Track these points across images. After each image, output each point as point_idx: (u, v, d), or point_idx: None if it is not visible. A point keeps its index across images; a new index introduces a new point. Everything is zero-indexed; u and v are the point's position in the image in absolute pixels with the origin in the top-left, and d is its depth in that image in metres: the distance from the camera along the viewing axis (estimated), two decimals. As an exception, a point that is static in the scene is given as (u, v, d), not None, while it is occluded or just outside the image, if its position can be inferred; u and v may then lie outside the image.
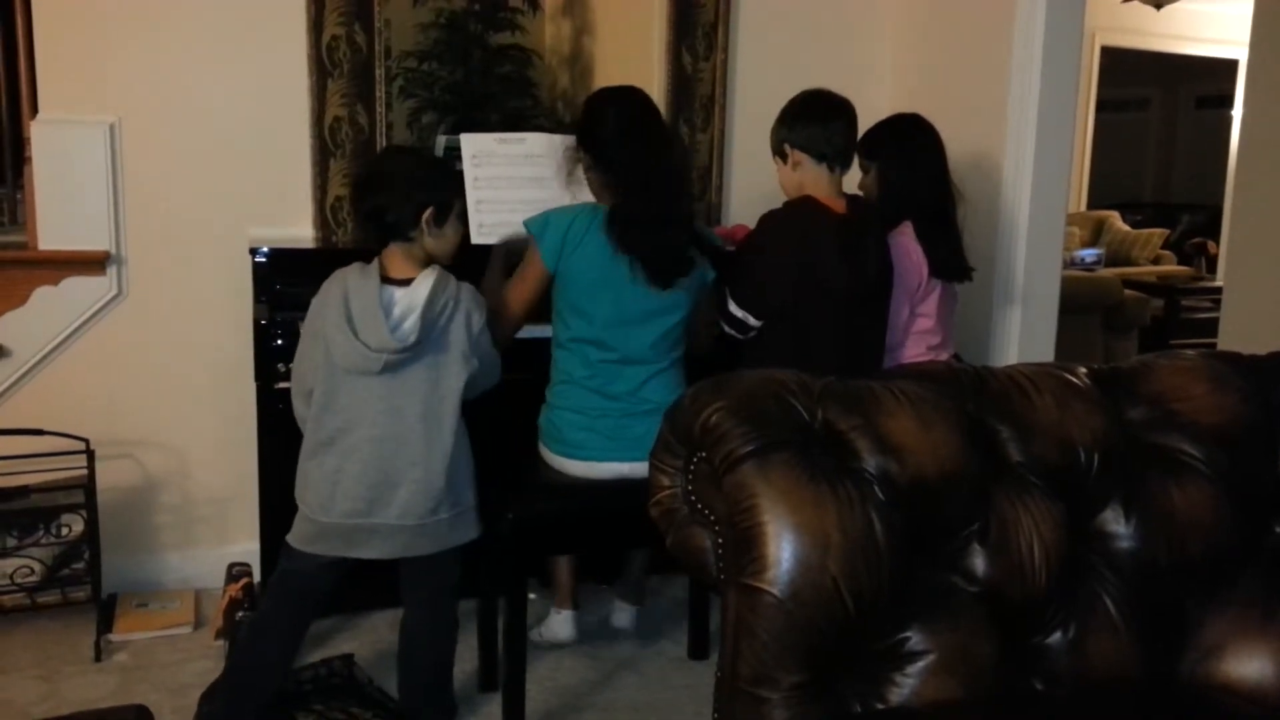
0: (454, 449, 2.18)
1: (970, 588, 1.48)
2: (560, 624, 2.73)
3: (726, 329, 2.52)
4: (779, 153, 2.53)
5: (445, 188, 2.26)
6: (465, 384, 2.18)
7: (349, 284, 2.14)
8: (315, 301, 2.19)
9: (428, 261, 2.20)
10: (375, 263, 2.19)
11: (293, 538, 2.19)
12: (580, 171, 2.46)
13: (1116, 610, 1.54)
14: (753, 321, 2.47)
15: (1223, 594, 1.59)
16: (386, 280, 2.16)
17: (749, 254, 2.52)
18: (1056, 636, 1.52)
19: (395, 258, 2.18)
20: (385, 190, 2.17)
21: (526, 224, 2.36)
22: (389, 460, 2.13)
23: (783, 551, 1.34)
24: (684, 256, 2.33)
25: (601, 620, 2.88)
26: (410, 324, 2.10)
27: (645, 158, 2.32)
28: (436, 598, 2.27)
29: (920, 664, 1.41)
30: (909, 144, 2.69)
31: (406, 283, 2.15)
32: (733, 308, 2.47)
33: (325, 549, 2.17)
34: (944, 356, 2.70)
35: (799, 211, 2.46)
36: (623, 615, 2.86)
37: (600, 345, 2.33)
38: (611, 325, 2.32)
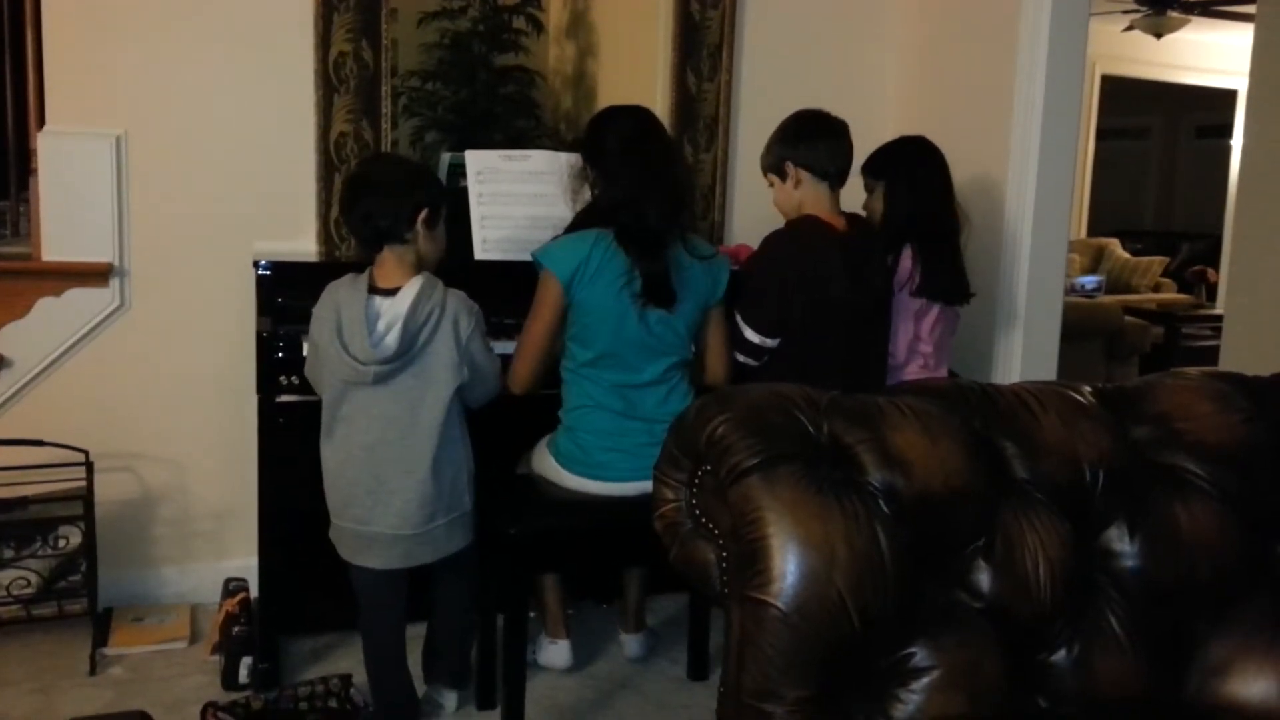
0: (451, 456, 2.19)
1: (976, 604, 1.47)
2: (557, 653, 2.70)
3: (741, 358, 2.50)
4: (777, 171, 2.55)
5: (436, 188, 2.29)
6: (459, 390, 2.18)
7: (339, 296, 2.17)
8: (313, 314, 2.21)
9: (419, 267, 2.21)
10: (365, 273, 2.20)
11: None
12: (585, 190, 2.47)
13: (1122, 629, 1.53)
14: (769, 343, 2.47)
15: (1228, 613, 1.58)
16: (375, 290, 2.17)
17: (756, 275, 2.52)
18: (1062, 654, 1.50)
19: (387, 265, 2.20)
20: (377, 194, 2.19)
21: (534, 255, 2.35)
22: (380, 467, 2.16)
23: (788, 565, 1.33)
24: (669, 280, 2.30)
25: (600, 640, 2.86)
26: (392, 336, 2.11)
27: (645, 172, 2.33)
28: (458, 580, 2.38)
29: (925, 680, 1.40)
30: (917, 165, 2.72)
31: (394, 292, 2.16)
32: (747, 332, 2.47)
33: (342, 553, 2.23)
34: (940, 374, 2.72)
35: (803, 229, 2.47)
36: (632, 644, 2.82)
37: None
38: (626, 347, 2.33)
